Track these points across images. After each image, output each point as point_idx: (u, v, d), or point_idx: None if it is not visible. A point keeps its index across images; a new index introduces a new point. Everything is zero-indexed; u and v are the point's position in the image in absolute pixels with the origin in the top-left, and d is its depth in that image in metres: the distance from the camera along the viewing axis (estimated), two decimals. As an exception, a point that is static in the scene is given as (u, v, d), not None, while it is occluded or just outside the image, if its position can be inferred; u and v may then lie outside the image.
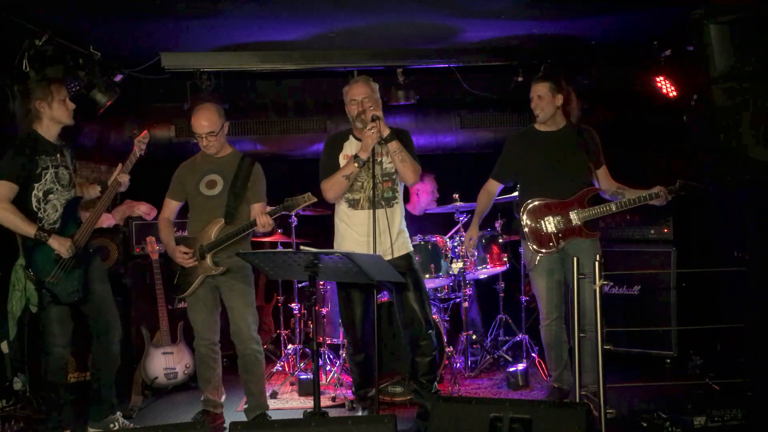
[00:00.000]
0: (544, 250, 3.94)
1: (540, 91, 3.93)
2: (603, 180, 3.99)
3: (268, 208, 3.70)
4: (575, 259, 3.52)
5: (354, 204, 3.73)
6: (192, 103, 4.64)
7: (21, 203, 3.43)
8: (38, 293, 3.47)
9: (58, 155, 3.55)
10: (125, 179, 3.67)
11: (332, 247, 3.86)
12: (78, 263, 3.53)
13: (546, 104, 3.92)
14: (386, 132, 3.53)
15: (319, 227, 4.95)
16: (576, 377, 3.50)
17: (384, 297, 4.20)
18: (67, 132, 3.66)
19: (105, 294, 3.75)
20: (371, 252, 3.54)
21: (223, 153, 3.86)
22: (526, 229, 3.98)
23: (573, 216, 3.89)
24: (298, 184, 3.77)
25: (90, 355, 4.49)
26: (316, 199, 3.55)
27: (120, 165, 3.68)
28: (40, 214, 3.48)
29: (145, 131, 3.79)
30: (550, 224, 3.92)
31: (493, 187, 4.14)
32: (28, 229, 3.39)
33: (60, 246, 3.44)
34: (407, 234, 3.86)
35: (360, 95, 3.63)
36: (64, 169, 3.58)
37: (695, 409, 3.52)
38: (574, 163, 3.91)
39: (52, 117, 3.52)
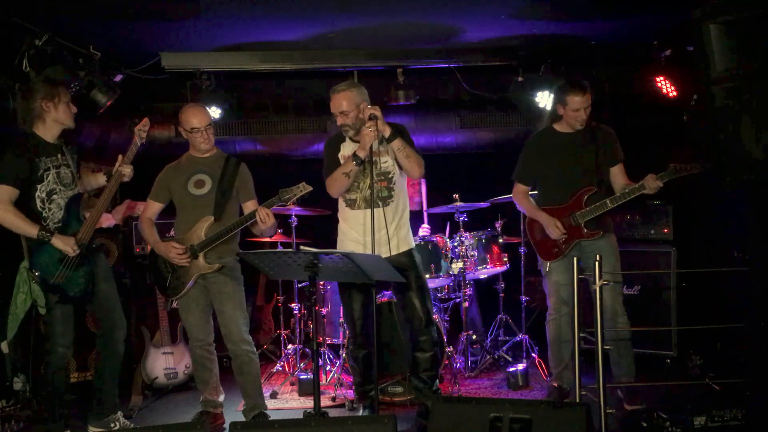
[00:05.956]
0: (551, 258, 3.99)
1: (587, 102, 3.89)
2: (617, 177, 3.99)
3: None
4: (575, 259, 3.52)
5: (351, 204, 3.76)
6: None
7: (25, 204, 3.43)
8: (44, 294, 3.47)
9: (59, 155, 3.55)
10: (128, 170, 3.65)
11: (333, 246, 3.87)
12: (84, 260, 3.53)
13: (589, 111, 3.92)
14: (387, 131, 3.54)
15: (319, 227, 4.96)
16: (576, 377, 3.50)
17: (384, 297, 4.20)
18: (67, 132, 3.66)
19: (110, 292, 3.75)
20: (369, 251, 3.54)
21: (209, 153, 3.86)
22: (531, 241, 4.11)
23: (572, 218, 3.91)
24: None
25: (90, 354, 4.52)
26: (311, 188, 3.54)
27: (121, 156, 3.66)
28: (45, 214, 3.48)
29: (145, 119, 3.75)
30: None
31: (523, 189, 4.14)
32: (31, 230, 3.39)
33: (64, 245, 3.44)
34: (409, 231, 3.86)
35: (338, 108, 3.64)
36: (66, 168, 3.57)
37: (695, 409, 3.52)
38: (590, 163, 3.93)
39: (56, 118, 3.51)
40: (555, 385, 4.04)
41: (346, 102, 3.63)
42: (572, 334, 3.53)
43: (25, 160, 3.41)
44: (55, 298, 3.52)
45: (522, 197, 4.13)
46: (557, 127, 4.03)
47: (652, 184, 3.77)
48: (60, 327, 3.58)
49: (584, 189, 3.92)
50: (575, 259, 3.52)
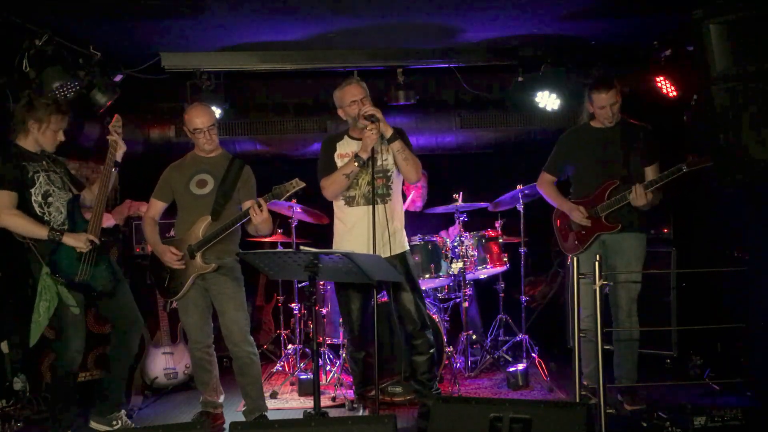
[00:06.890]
0: (572, 251, 4.02)
1: (612, 98, 3.88)
2: (650, 177, 3.96)
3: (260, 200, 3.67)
4: (575, 259, 3.52)
5: (349, 201, 3.74)
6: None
7: (24, 210, 3.42)
8: (72, 294, 3.48)
9: (44, 162, 3.56)
10: (117, 137, 3.63)
11: (332, 246, 3.87)
12: (100, 254, 3.54)
13: (617, 108, 3.92)
14: (389, 132, 3.55)
15: (319, 227, 4.95)
16: (576, 377, 3.50)
17: (383, 297, 4.20)
18: (67, 132, 3.65)
19: (125, 291, 3.77)
20: (369, 249, 3.54)
21: (214, 153, 3.86)
22: (556, 234, 4.15)
23: (593, 211, 3.93)
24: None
25: (90, 355, 4.52)
26: (304, 184, 3.53)
27: (110, 127, 3.67)
28: (46, 218, 3.48)
29: (116, 115, 3.74)
30: (574, 223, 4.00)
31: (548, 178, 4.17)
32: (41, 231, 3.39)
33: (76, 241, 3.44)
34: (404, 233, 3.86)
35: (360, 95, 3.66)
36: (54, 174, 3.58)
37: (695, 409, 3.52)
38: (618, 159, 3.93)
39: (37, 139, 3.54)
40: (585, 383, 4.02)
41: (362, 88, 3.69)
42: (573, 334, 3.53)
43: (13, 164, 3.42)
44: (80, 298, 3.52)
45: (546, 185, 4.17)
46: (592, 123, 4.06)
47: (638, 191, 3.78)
48: (71, 330, 3.57)
49: (607, 183, 3.93)
50: (575, 259, 3.52)
